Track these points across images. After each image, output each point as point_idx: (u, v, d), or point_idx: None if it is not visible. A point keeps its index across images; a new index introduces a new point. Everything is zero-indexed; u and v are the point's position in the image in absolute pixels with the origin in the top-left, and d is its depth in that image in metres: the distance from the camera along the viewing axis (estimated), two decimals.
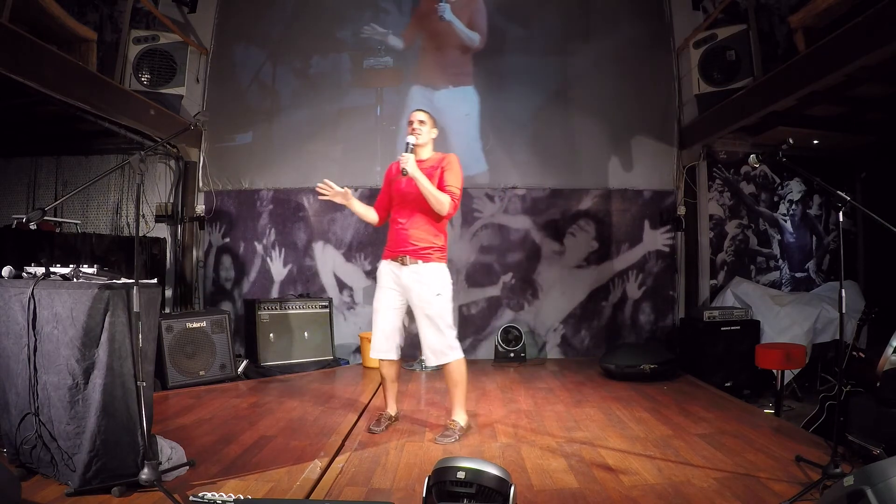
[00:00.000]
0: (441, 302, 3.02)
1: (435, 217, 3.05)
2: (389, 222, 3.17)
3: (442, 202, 2.96)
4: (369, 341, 4.81)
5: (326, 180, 3.03)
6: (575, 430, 3.18)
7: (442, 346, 3.03)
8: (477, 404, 3.77)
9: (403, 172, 2.91)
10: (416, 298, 3.03)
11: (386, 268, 3.12)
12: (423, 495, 1.96)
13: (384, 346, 3.13)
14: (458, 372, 3.08)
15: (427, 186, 2.94)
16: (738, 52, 4.71)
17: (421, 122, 3.08)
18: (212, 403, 3.72)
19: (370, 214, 3.25)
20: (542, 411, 3.57)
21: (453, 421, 3.10)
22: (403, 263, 3.04)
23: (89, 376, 2.18)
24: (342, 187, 3.06)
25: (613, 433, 3.11)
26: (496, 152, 5.54)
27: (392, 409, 3.31)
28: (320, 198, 3.07)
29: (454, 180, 3.04)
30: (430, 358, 3.07)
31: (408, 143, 3.01)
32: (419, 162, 3.05)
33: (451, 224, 5.50)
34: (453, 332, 3.07)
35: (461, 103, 5.58)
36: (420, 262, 3.03)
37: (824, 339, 4.65)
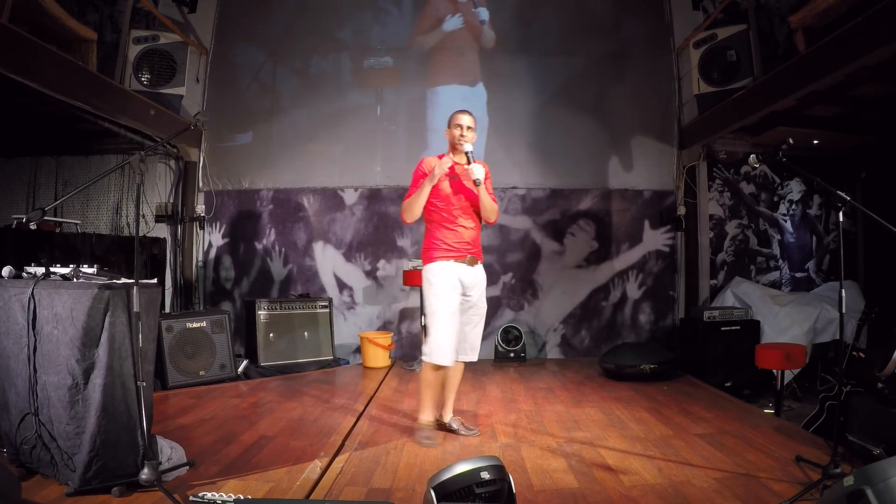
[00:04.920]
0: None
1: (481, 221, 3.11)
2: (443, 222, 3.00)
3: (496, 210, 3.05)
4: (369, 341, 4.92)
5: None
6: (575, 430, 3.19)
7: (480, 343, 3.16)
8: (477, 404, 3.77)
9: (477, 183, 2.88)
10: (476, 298, 3.05)
11: (451, 268, 2.96)
12: None
13: (453, 350, 2.96)
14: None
15: (487, 196, 2.99)
16: (738, 52, 4.70)
17: (469, 127, 3.00)
18: (212, 403, 3.72)
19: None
20: (542, 411, 3.57)
21: (457, 418, 3.17)
22: (471, 265, 3.01)
23: (89, 376, 2.18)
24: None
25: (613, 433, 3.11)
26: (496, 152, 5.53)
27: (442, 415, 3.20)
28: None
29: (492, 189, 3.09)
30: (471, 355, 3.11)
31: (468, 153, 2.93)
32: (460, 166, 3.03)
33: None
34: None
35: (478, 103, 5.57)
36: (479, 263, 3.09)
37: (824, 339, 4.64)
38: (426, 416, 3.06)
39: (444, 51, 5.63)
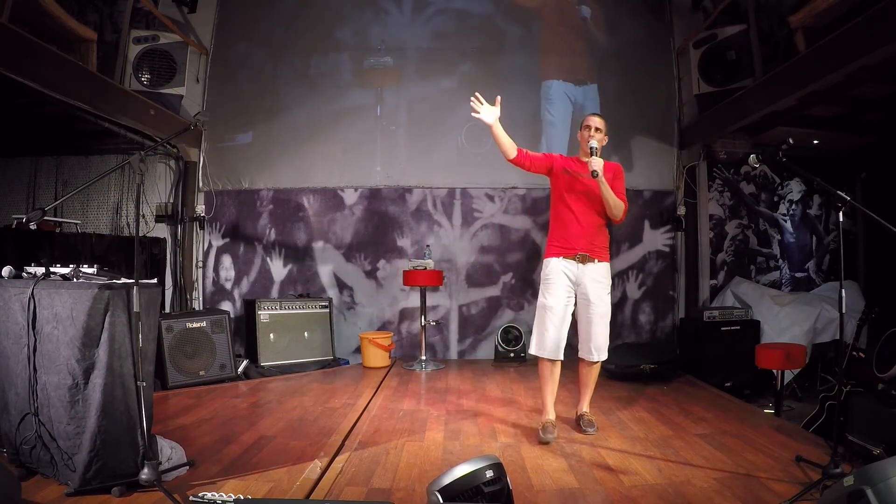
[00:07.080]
0: (609, 300, 3.14)
1: (606, 219, 3.16)
2: (562, 219, 3.16)
3: (620, 208, 3.10)
4: (370, 341, 4.92)
5: (477, 94, 3.02)
6: (575, 429, 3.18)
7: (606, 343, 3.13)
8: (477, 404, 3.77)
9: (594, 175, 2.96)
10: (592, 296, 3.07)
11: (560, 265, 3.08)
12: None
13: (558, 347, 3.07)
14: (598, 370, 3.23)
15: (609, 191, 3.05)
16: (739, 52, 4.71)
17: (597, 128, 3.15)
18: (212, 403, 3.72)
19: (510, 148, 3.13)
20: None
21: (587, 412, 3.25)
22: (583, 262, 3.07)
23: (89, 376, 2.18)
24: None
25: (613, 433, 3.11)
26: (496, 151, 5.52)
27: (552, 414, 3.15)
28: (473, 115, 3.04)
29: (624, 189, 3.18)
30: (594, 354, 3.11)
31: (592, 147, 3.07)
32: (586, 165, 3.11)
33: (451, 224, 5.51)
34: None
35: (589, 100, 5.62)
36: (596, 260, 3.10)
37: (824, 339, 4.64)
38: (544, 415, 3.12)
39: (568, 48, 5.63)
